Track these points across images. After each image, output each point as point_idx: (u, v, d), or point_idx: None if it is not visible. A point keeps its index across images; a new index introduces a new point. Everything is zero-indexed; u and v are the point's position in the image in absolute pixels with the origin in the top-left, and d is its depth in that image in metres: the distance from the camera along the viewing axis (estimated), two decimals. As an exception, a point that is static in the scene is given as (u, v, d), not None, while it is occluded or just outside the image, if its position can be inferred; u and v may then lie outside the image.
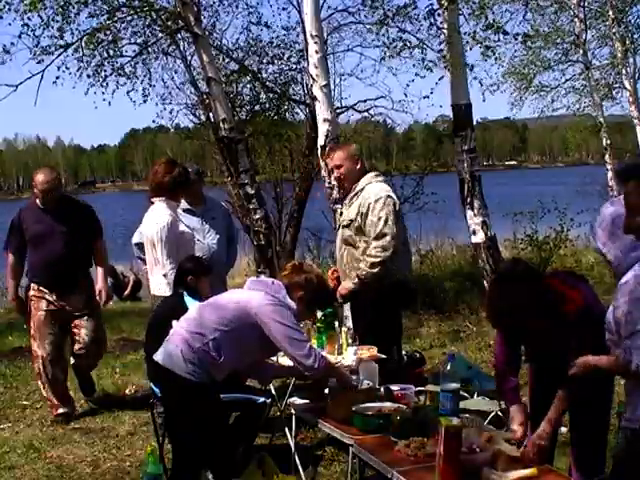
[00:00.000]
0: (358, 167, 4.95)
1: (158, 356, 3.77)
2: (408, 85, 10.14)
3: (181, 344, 3.66)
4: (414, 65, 9.69)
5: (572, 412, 3.35)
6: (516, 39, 10.63)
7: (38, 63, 8.91)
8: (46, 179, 5.50)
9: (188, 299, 4.41)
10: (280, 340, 3.61)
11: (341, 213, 5.09)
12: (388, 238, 4.69)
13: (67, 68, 9.17)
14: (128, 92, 9.85)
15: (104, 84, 9.44)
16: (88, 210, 5.89)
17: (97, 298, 5.77)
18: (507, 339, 3.47)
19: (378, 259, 4.69)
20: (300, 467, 4.21)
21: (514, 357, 3.50)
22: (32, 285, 5.65)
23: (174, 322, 3.95)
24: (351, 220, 4.82)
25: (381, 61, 10.27)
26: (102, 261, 5.87)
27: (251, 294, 3.73)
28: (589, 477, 3.29)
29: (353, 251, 4.84)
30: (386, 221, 4.70)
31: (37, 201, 5.60)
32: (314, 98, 7.26)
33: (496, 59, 9.84)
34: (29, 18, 8.61)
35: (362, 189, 4.84)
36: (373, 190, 4.81)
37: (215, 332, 3.63)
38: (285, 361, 4.18)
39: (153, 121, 11.29)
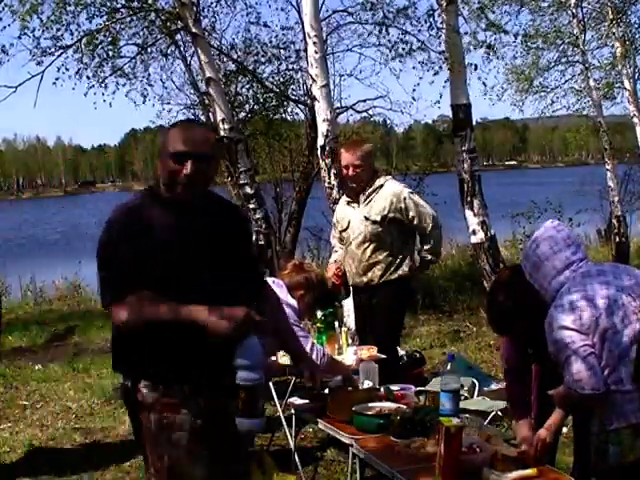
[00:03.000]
0: (373, 166, 5.21)
1: None
2: (414, 90, 10.18)
3: None
4: (413, 67, 9.72)
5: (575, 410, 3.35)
6: (516, 38, 10.65)
7: (38, 64, 8.94)
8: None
9: None
10: None
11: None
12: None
13: (67, 69, 9.19)
14: (127, 93, 9.87)
15: (103, 85, 9.46)
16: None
17: None
18: (515, 343, 3.46)
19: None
20: (300, 467, 4.22)
21: (524, 361, 3.48)
22: (146, 384, 2.55)
23: None
24: (383, 216, 4.89)
25: (384, 64, 10.29)
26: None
27: None
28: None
29: (380, 246, 4.93)
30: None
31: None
32: (314, 98, 7.27)
33: (498, 58, 9.86)
34: (27, 17, 8.61)
35: (381, 186, 4.97)
36: (398, 187, 5.04)
37: None
38: (285, 360, 4.18)
39: (152, 122, 11.32)
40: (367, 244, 4.95)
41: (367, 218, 4.92)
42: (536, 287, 2.96)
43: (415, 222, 4.96)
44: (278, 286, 3.74)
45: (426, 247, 5.05)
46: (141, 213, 2.52)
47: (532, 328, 3.14)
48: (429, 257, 5.10)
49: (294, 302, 3.70)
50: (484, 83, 10.21)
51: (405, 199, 4.94)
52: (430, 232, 4.99)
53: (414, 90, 10.15)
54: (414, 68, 9.67)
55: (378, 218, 4.89)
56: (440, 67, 9.10)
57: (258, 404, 2.51)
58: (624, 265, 3.11)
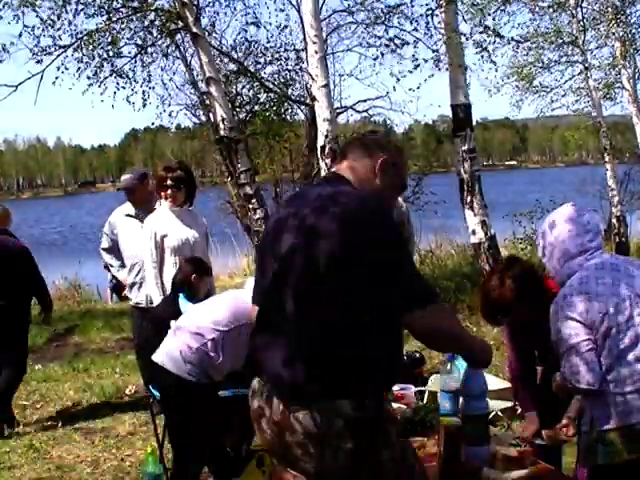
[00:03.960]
0: None
1: (157, 357, 3.77)
2: (398, 80, 10.15)
3: (180, 344, 3.67)
4: (405, 56, 9.74)
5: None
6: (509, 42, 10.64)
7: (37, 63, 8.95)
8: None
9: (182, 301, 4.38)
10: None
11: None
12: None
13: (66, 68, 9.20)
14: (128, 97, 9.84)
15: (103, 85, 9.46)
16: None
17: None
18: (519, 343, 3.46)
19: None
20: (300, 467, 4.20)
21: (528, 362, 3.48)
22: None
23: (172, 322, 3.95)
24: None
25: (376, 59, 10.32)
26: None
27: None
28: None
29: None
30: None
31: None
32: (314, 98, 7.28)
33: (492, 62, 9.84)
34: (23, 12, 8.64)
35: None
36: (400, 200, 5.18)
37: (214, 332, 3.64)
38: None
39: (152, 123, 11.29)
40: None
41: None
42: (548, 267, 2.91)
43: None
44: None
45: None
46: None
47: (532, 319, 3.15)
48: None
49: None
50: (488, 89, 10.13)
51: (405, 212, 5.07)
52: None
53: (398, 80, 10.17)
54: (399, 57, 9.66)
55: None
56: (436, 62, 9.12)
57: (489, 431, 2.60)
58: (638, 261, 3.05)
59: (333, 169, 2.45)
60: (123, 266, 5.63)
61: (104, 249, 5.79)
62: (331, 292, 2.14)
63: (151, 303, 5.26)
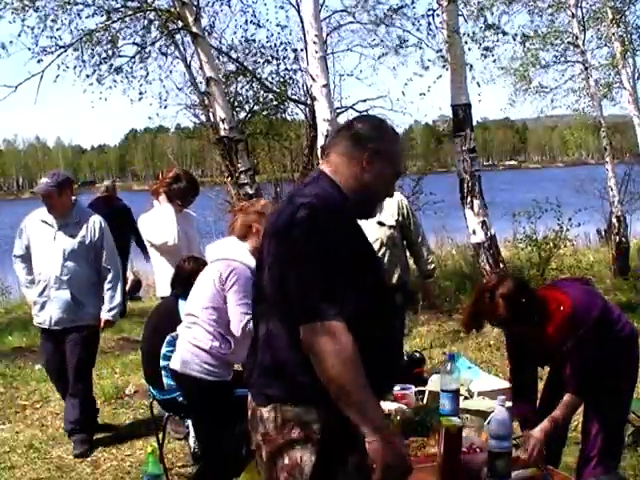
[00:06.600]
0: None
1: (175, 365, 3.81)
2: (406, 84, 10.14)
3: (194, 349, 3.72)
4: (408, 57, 9.75)
5: (588, 405, 3.34)
6: (514, 39, 10.61)
7: (38, 62, 8.96)
8: None
9: (181, 302, 4.39)
10: (232, 304, 3.66)
11: None
12: None
13: (67, 67, 9.21)
14: (125, 91, 9.85)
15: (102, 82, 9.45)
16: None
17: None
18: (514, 355, 3.48)
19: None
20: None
21: (528, 384, 3.49)
22: None
23: (179, 328, 3.98)
24: (397, 220, 4.98)
25: (379, 58, 10.32)
26: None
27: (227, 268, 3.71)
28: (604, 472, 3.27)
29: (394, 250, 5.00)
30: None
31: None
32: (314, 98, 7.27)
33: (494, 61, 9.84)
34: (24, 11, 8.65)
35: None
36: (397, 192, 5.06)
37: (213, 324, 3.70)
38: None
39: (149, 117, 11.23)
40: (384, 249, 5.00)
41: (382, 223, 4.93)
42: None
43: (412, 228, 5.07)
44: (240, 251, 3.71)
45: (426, 255, 5.17)
46: None
47: (532, 333, 3.15)
48: (433, 265, 5.24)
49: (253, 261, 3.46)
50: (478, 84, 10.07)
51: (406, 205, 5.07)
52: (422, 241, 5.15)
53: (406, 84, 10.14)
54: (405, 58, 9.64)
55: (393, 222, 4.96)
56: (433, 62, 9.14)
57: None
58: None
59: (321, 165, 2.36)
60: (34, 282, 5.06)
61: (17, 256, 5.14)
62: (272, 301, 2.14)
63: (55, 325, 4.94)
